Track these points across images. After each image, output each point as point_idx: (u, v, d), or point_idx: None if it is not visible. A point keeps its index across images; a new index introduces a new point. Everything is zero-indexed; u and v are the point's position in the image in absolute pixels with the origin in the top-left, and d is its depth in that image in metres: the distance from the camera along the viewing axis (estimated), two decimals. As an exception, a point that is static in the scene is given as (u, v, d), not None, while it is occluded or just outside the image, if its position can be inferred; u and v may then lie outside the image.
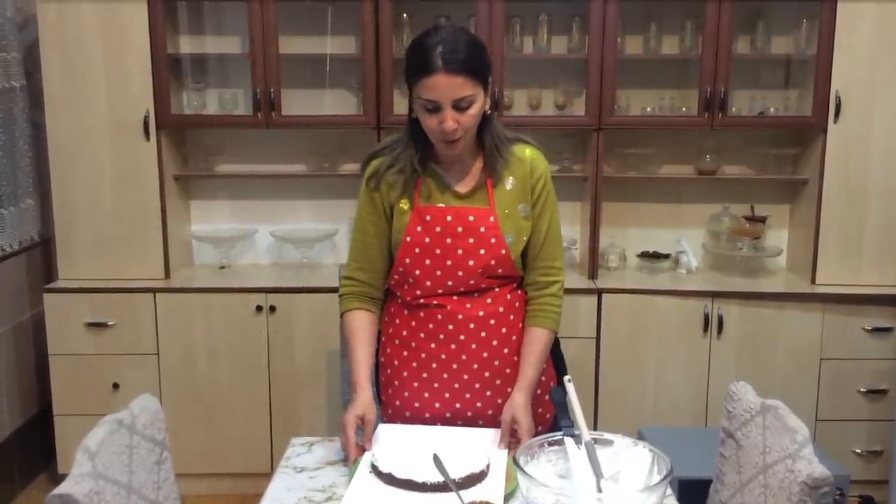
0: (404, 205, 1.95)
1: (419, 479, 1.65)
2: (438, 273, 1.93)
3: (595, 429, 3.39)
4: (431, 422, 1.99)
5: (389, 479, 1.67)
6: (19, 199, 3.52)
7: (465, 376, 1.97)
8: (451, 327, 1.95)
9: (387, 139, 2.04)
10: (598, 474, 1.56)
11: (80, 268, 3.45)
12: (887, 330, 3.33)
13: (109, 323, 3.36)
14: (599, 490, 1.51)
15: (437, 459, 1.60)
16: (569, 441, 1.62)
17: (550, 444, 1.64)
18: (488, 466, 1.73)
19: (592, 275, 3.52)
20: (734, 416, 1.57)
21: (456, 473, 1.67)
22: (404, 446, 1.78)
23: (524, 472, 1.48)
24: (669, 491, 1.69)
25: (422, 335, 1.98)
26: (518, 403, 1.88)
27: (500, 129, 1.97)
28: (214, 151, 3.72)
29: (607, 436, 1.64)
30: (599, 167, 3.47)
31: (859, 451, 3.42)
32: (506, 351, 1.99)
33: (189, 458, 3.43)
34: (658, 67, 3.64)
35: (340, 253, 3.80)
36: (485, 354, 1.97)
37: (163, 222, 3.45)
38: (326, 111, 3.60)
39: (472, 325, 1.95)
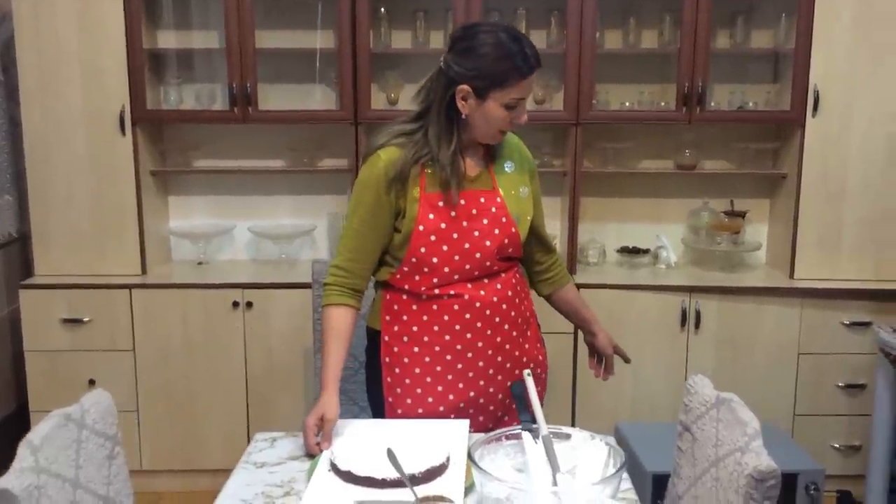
0: (415, 193, 1.92)
1: (379, 476, 1.64)
2: (457, 258, 1.93)
3: (573, 424, 3.41)
4: (445, 414, 1.98)
5: (349, 477, 1.66)
6: (-4, 195, 3.51)
7: (481, 363, 1.98)
8: (468, 316, 1.96)
9: (388, 132, 1.97)
10: (554, 468, 1.55)
11: (56, 264, 3.43)
12: (865, 324, 3.32)
13: (85, 319, 3.34)
14: (555, 483, 1.51)
15: (391, 454, 1.59)
16: (526, 435, 1.61)
17: (508, 437, 1.63)
18: (448, 459, 1.72)
19: (571, 270, 3.51)
20: (691, 410, 1.57)
21: (415, 468, 1.66)
22: (363, 443, 1.77)
23: (478, 465, 1.47)
24: (628, 485, 1.68)
25: (435, 328, 1.96)
26: (609, 335, 2.30)
27: None
28: (192, 147, 3.71)
29: (565, 430, 1.63)
30: (578, 162, 3.46)
31: (838, 445, 3.41)
32: (514, 334, 2.02)
33: (165, 455, 3.43)
34: (637, 62, 3.63)
35: (319, 249, 3.79)
36: (498, 339, 1.99)
37: (139, 218, 3.43)
38: (306, 106, 3.58)
39: (487, 312, 1.97)
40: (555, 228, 3.74)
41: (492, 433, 1.65)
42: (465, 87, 1.85)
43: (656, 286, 3.38)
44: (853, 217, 3.38)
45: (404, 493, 1.56)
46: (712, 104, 3.51)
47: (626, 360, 2.35)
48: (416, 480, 1.64)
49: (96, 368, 3.37)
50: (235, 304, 3.34)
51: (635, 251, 3.70)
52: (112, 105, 3.35)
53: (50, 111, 3.34)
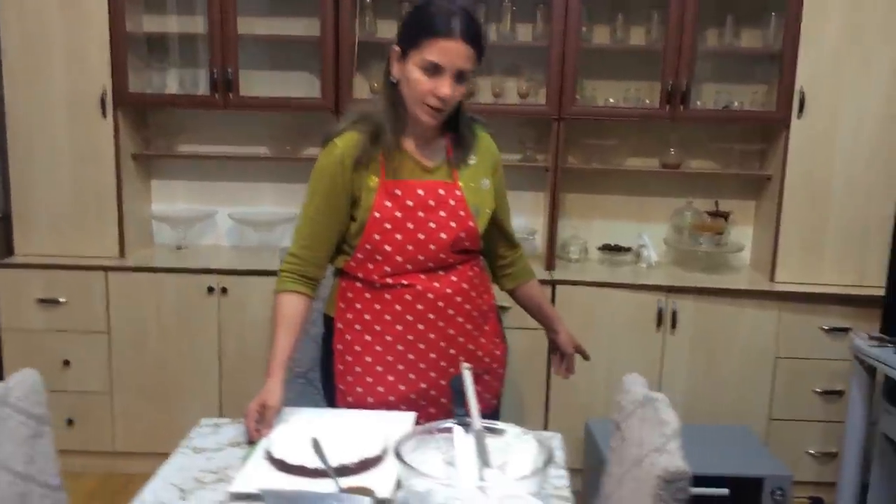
0: (372, 181, 1.91)
1: (311, 466, 1.63)
2: (410, 248, 1.92)
3: (546, 421, 3.39)
4: (395, 405, 1.97)
5: (281, 466, 1.65)
6: (-23, 174, 3.52)
7: (433, 355, 1.97)
8: (420, 307, 1.94)
9: (345, 119, 1.97)
10: (484, 463, 1.54)
11: (37, 244, 3.45)
12: (845, 330, 3.28)
13: (61, 300, 3.35)
14: (481, 478, 1.49)
15: (315, 444, 1.57)
16: (457, 429, 1.59)
17: (441, 431, 1.61)
18: (385, 451, 1.71)
19: (550, 266, 3.48)
20: (623, 408, 1.55)
21: (349, 458, 1.65)
22: (303, 432, 1.76)
23: (400, 458, 1.46)
24: (565, 482, 1.66)
25: (387, 318, 1.95)
26: (571, 333, 2.30)
27: (466, 111, 2.02)
28: (177, 131, 3.71)
29: (499, 425, 1.61)
30: (559, 157, 3.44)
31: (813, 452, 3.38)
32: (469, 327, 2.00)
33: (137, 437, 3.44)
34: (624, 58, 3.59)
35: (301, 237, 3.78)
36: (451, 332, 1.97)
37: (118, 201, 3.43)
38: (290, 94, 3.57)
39: (440, 304, 1.95)
40: (538, 223, 3.72)
41: (423, 426, 1.63)
42: (395, 48, 1.86)
43: (634, 285, 3.35)
44: (836, 221, 3.34)
45: (334, 484, 1.55)
46: (698, 103, 3.47)
47: (586, 358, 2.33)
48: (348, 471, 1.63)
49: (71, 349, 3.38)
50: (210, 290, 3.33)
51: (617, 249, 3.68)
52: (94, 87, 3.35)
53: (32, 92, 3.34)
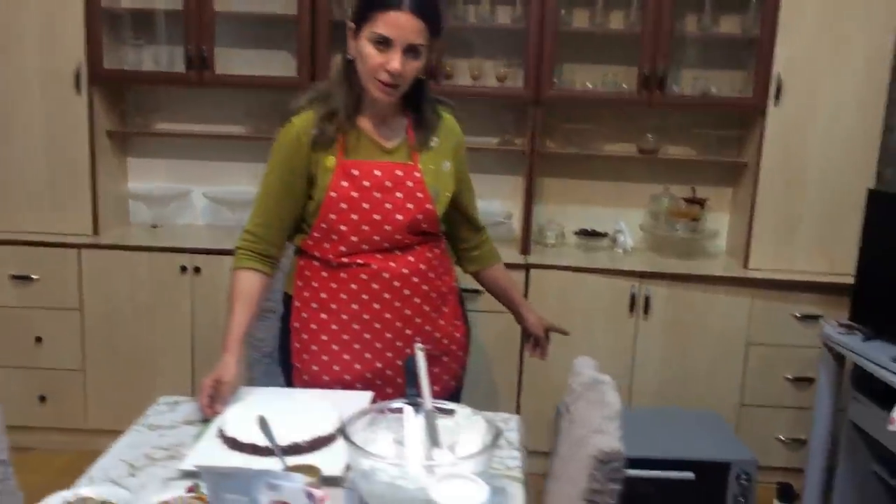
0: (329, 161, 1.91)
1: (262, 444, 1.63)
2: (365, 228, 1.91)
3: (517, 405, 3.40)
4: (351, 384, 1.98)
5: (233, 444, 1.65)
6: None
7: (388, 335, 1.97)
8: (375, 286, 1.94)
9: (304, 98, 1.96)
10: (433, 443, 1.54)
11: (12, 221, 3.43)
12: (817, 317, 3.29)
13: (34, 277, 3.34)
14: (429, 458, 1.49)
15: (262, 422, 1.58)
16: (407, 409, 1.59)
17: (392, 411, 1.62)
18: (338, 430, 1.71)
19: (525, 250, 3.48)
20: (573, 391, 1.55)
21: (301, 436, 1.65)
22: (258, 410, 1.75)
23: (347, 437, 1.46)
24: (517, 462, 1.67)
25: (343, 296, 1.95)
26: (539, 316, 2.30)
27: (429, 92, 2.00)
28: (152, 109, 3.69)
29: (450, 406, 1.61)
30: (536, 141, 3.43)
31: (783, 438, 3.40)
32: (426, 308, 2.00)
33: (110, 414, 3.43)
34: (604, 43, 3.57)
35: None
36: (407, 312, 1.97)
37: (92, 178, 3.41)
38: (267, 72, 3.54)
39: (396, 284, 1.95)
40: (515, 207, 3.72)
41: (374, 405, 1.63)
42: (349, 24, 1.85)
43: (607, 270, 3.35)
44: (810, 209, 3.34)
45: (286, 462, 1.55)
46: (675, 89, 3.46)
47: (564, 333, 2.37)
48: (300, 449, 1.63)
49: (43, 326, 3.37)
50: (184, 269, 3.33)
51: (593, 234, 3.68)
52: (68, 63, 3.32)
53: (5, 68, 3.32)
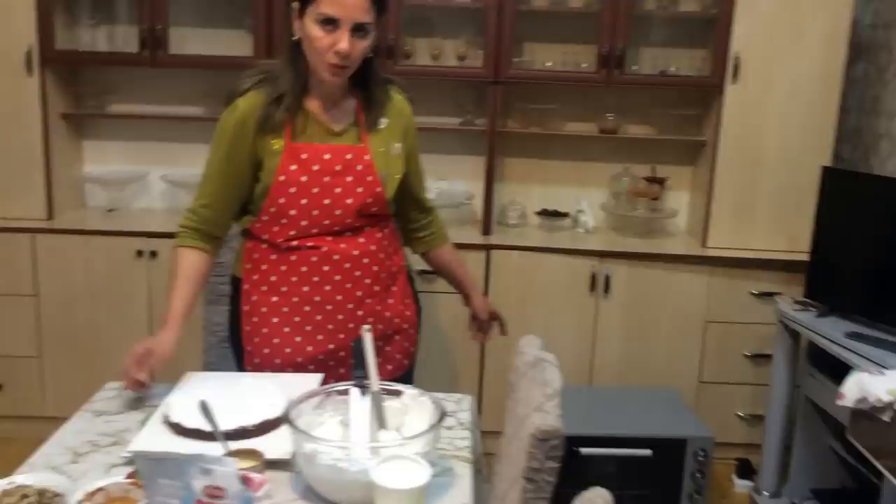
0: (276, 144, 1.87)
1: (207, 429, 1.61)
2: (315, 213, 1.89)
3: (480, 386, 3.41)
4: (303, 366, 1.96)
5: (178, 429, 1.63)
6: None
7: (340, 316, 1.96)
8: (326, 268, 1.93)
9: (247, 79, 1.91)
10: (380, 424, 1.54)
11: (-36, 206, 3.37)
12: (774, 295, 3.32)
13: (-14, 262, 3.29)
14: (374, 439, 1.49)
15: (203, 406, 1.56)
16: (354, 391, 1.59)
17: (339, 393, 1.61)
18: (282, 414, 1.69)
19: (486, 231, 3.48)
20: (517, 369, 1.55)
21: (249, 420, 1.64)
22: (204, 395, 1.74)
23: (289, 421, 1.45)
24: (468, 443, 1.67)
25: (293, 279, 1.94)
26: (486, 301, 2.33)
27: (379, 71, 1.97)
28: (108, 90, 3.62)
29: (396, 387, 1.61)
30: (497, 121, 3.41)
31: (742, 414, 3.44)
32: (376, 289, 1.99)
33: (68, 401, 3.36)
34: (565, 21, 3.56)
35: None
36: (359, 293, 1.96)
37: (45, 162, 3.35)
38: (225, 52, 3.49)
39: (347, 265, 1.94)
40: (477, 188, 3.71)
41: (320, 388, 1.63)
42: (293, 4, 1.81)
43: (568, 250, 3.36)
44: (768, 187, 3.36)
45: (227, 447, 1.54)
46: (634, 67, 3.46)
47: (503, 330, 2.35)
48: (247, 433, 1.62)
49: (-2, 313, 3.33)
50: (140, 254, 3.28)
51: (555, 214, 3.68)
52: (19, 44, 3.25)
53: (-46, 47, 3.24)
